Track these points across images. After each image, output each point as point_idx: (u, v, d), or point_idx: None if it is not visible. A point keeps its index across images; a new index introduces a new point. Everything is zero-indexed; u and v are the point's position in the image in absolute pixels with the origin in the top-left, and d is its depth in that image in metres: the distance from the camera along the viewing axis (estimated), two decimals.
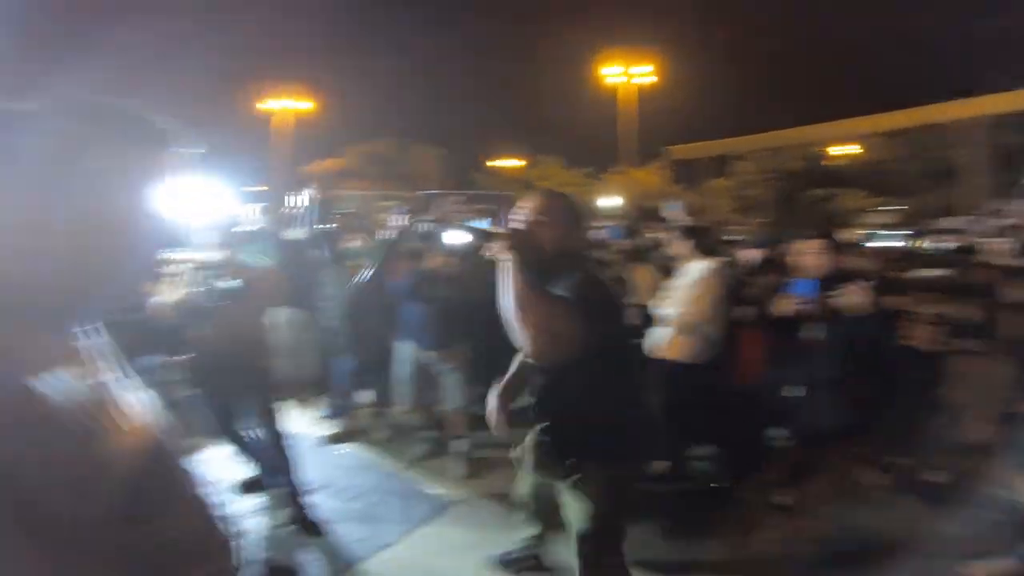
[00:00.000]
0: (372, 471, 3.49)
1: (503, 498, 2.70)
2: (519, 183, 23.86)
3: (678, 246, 3.24)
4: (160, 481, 0.68)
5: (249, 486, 2.98)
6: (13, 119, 0.64)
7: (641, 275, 3.54)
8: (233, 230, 3.00)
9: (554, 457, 1.81)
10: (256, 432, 2.91)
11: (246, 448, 2.96)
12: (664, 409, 3.06)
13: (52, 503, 0.54)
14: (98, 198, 0.64)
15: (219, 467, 3.07)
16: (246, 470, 3.00)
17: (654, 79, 24.61)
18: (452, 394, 3.50)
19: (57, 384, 0.58)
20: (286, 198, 6.13)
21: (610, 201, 17.47)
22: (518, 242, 1.72)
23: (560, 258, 1.77)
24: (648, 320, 3.26)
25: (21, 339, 0.58)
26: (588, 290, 1.69)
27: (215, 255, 2.70)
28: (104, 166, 0.65)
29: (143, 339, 2.82)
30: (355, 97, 28.71)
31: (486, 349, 3.04)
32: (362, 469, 3.52)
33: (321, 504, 2.91)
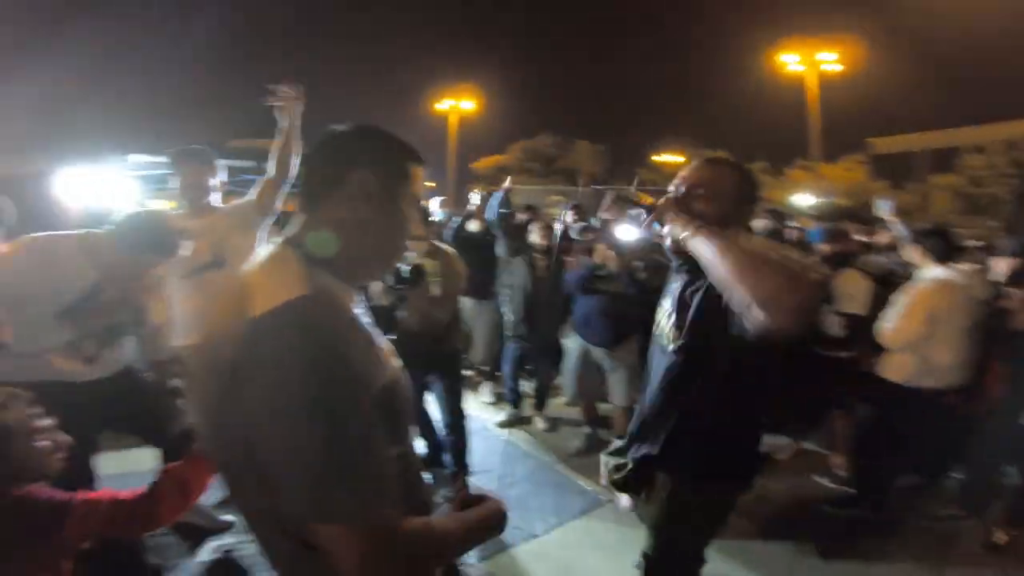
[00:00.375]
0: (530, 460, 3.53)
1: None
2: None
3: (907, 251, 2.81)
4: (398, 410, 0.85)
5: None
6: (343, 139, 0.88)
7: (849, 282, 3.07)
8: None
9: (642, 469, 1.53)
10: (437, 412, 3.07)
11: (424, 426, 3.15)
12: (868, 431, 2.84)
13: (355, 391, 0.73)
14: (391, 200, 0.88)
15: None
16: (420, 446, 3.19)
17: (840, 67, 21.46)
18: (617, 391, 3.39)
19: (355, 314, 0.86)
20: (467, 192, 6.51)
21: (799, 199, 15.63)
22: (685, 207, 1.36)
23: None
24: (856, 331, 2.90)
25: (342, 286, 0.87)
26: None
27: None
28: (396, 177, 0.89)
29: None
30: (518, 95, 29.59)
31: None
32: (521, 457, 3.57)
33: (480, 487, 2.99)
